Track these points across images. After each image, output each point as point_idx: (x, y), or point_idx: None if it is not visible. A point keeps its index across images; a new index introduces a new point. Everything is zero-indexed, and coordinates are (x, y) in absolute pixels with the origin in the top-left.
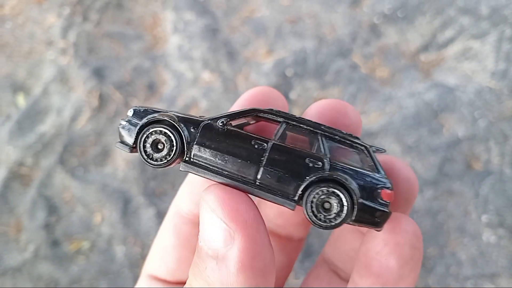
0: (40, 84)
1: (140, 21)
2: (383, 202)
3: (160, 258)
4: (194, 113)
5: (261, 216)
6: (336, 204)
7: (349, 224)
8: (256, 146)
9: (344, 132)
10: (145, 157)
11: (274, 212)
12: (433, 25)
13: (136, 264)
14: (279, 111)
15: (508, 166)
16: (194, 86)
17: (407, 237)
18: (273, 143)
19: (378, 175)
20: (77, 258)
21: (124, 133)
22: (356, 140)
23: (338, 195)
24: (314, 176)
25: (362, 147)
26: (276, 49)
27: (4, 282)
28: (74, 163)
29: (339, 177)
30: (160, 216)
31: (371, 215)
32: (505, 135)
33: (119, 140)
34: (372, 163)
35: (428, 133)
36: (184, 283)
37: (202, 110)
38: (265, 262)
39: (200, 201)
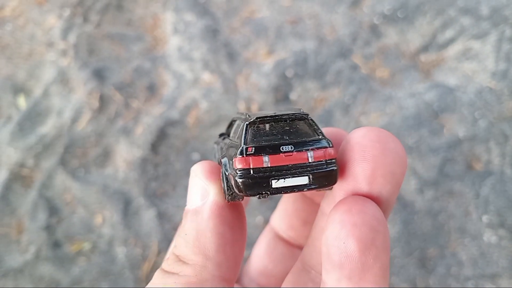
0: (41, 86)
1: (140, 22)
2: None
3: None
4: (195, 114)
5: None
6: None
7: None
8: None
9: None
10: None
11: (286, 225)
12: (434, 25)
13: (137, 265)
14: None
15: (508, 167)
16: (194, 87)
17: (365, 217)
18: None
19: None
20: (78, 259)
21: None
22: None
23: None
24: None
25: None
26: (277, 49)
27: (6, 283)
28: (75, 164)
29: None
30: (161, 217)
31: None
32: (505, 136)
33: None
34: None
35: (429, 134)
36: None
37: (203, 111)
38: (232, 215)
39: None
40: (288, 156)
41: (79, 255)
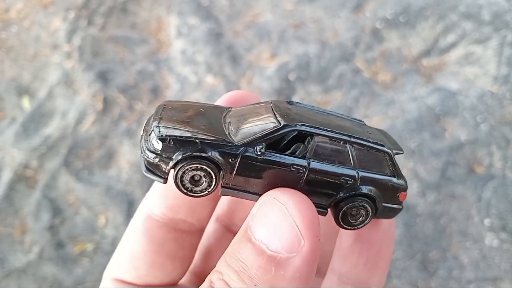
0: (45, 87)
1: (144, 25)
2: (399, 201)
3: (129, 263)
4: None
5: None
6: (364, 213)
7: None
8: (294, 171)
9: (371, 140)
10: (184, 190)
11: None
12: (436, 30)
13: None
14: (312, 126)
15: (510, 170)
16: (197, 90)
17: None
18: (309, 168)
19: (396, 180)
20: (81, 260)
21: (153, 167)
22: (381, 148)
23: (365, 207)
24: (347, 193)
25: (386, 154)
26: (280, 53)
27: (9, 283)
28: (78, 165)
29: (371, 194)
30: None
31: (388, 212)
32: (507, 140)
33: (146, 169)
34: (393, 168)
35: (431, 137)
36: (152, 286)
37: None
38: (312, 280)
39: (268, 200)
40: None
41: (82, 255)
